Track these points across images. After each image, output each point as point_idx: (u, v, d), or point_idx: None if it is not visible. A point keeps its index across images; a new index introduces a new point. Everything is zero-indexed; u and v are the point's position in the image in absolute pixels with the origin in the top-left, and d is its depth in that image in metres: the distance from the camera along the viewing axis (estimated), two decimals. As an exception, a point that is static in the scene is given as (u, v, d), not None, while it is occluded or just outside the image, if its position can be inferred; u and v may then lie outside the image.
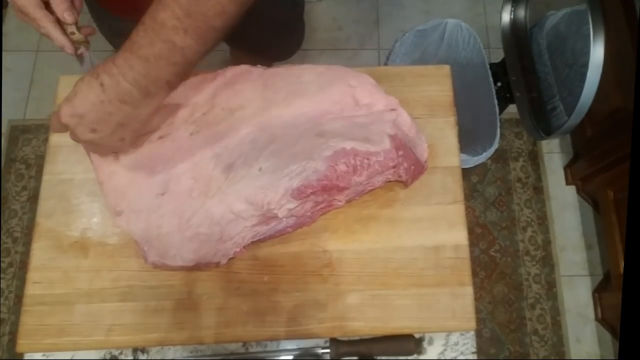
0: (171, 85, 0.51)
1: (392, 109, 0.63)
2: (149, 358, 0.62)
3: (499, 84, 1.20)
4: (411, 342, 0.61)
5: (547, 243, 1.46)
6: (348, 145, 0.57)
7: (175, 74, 0.50)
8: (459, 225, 0.64)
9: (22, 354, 0.61)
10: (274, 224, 0.60)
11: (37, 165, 1.50)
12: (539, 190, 1.51)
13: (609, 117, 1.23)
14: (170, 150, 0.61)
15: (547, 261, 1.44)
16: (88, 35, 0.60)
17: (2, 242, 1.43)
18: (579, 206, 1.50)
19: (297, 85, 0.64)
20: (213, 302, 0.61)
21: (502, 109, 1.17)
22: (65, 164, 0.66)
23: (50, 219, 0.64)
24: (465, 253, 0.63)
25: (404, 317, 0.60)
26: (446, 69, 0.72)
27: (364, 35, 1.68)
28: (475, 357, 0.63)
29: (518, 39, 1.18)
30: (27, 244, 1.37)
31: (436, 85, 0.71)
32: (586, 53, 0.87)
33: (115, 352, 0.62)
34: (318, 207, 0.61)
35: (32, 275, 0.61)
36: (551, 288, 1.42)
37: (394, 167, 0.60)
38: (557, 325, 1.39)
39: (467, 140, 1.08)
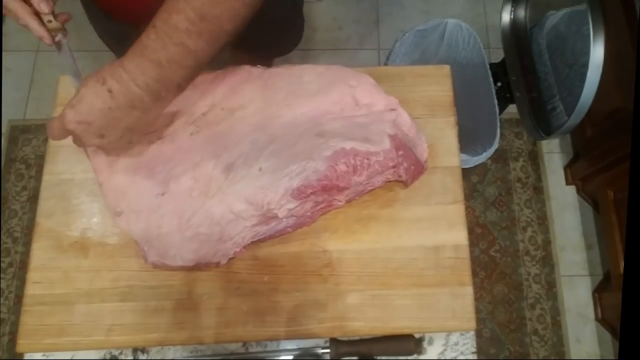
0: (181, 88, 0.51)
1: (392, 109, 0.63)
2: (149, 358, 0.62)
3: (499, 84, 1.20)
4: (411, 342, 0.61)
5: (547, 243, 1.46)
6: (348, 145, 0.57)
7: (186, 77, 0.50)
8: (459, 225, 0.64)
9: (22, 354, 0.61)
10: (274, 224, 0.60)
11: (37, 165, 1.50)
12: (539, 190, 1.51)
13: (609, 117, 1.23)
14: (170, 151, 0.61)
15: (547, 261, 1.44)
16: (65, 22, 0.59)
17: (2, 242, 1.43)
18: (579, 206, 1.50)
19: (297, 85, 0.64)
20: (213, 302, 0.61)
21: (502, 109, 1.17)
22: (65, 164, 0.66)
23: (50, 219, 0.64)
24: (465, 253, 0.63)
25: (404, 317, 0.60)
26: (446, 69, 0.72)
27: (364, 35, 1.68)
28: (475, 357, 0.63)
29: (518, 39, 1.18)
30: (27, 244, 1.37)
31: (436, 85, 0.71)
32: (586, 53, 0.87)
33: (115, 352, 0.62)
34: (318, 207, 0.61)
35: (32, 275, 0.61)
36: (551, 288, 1.42)
37: (394, 167, 0.60)
38: (557, 325, 1.39)
39: (467, 140, 1.08)
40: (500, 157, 1.54)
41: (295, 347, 0.63)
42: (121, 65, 0.48)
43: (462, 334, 0.64)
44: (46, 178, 0.66)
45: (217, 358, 0.62)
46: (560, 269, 1.44)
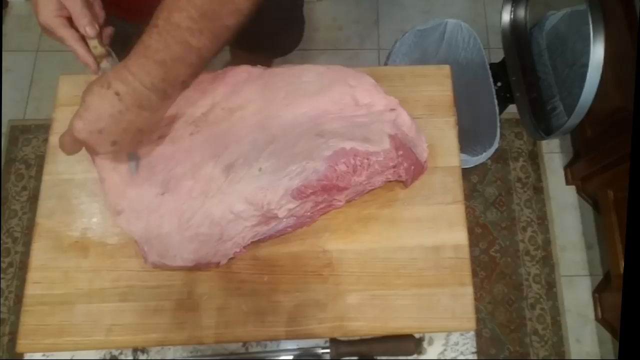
0: (186, 85, 0.51)
1: (392, 109, 0.63)
2: (149, 358, 0.62)
3: (499, 84, 1.21)
4: (411, 342, 0.61)
5: (547, 243, 1.46)
6: (348, 145, 0.57)
7: (190, 74, 0.50)
8: (459, 225, 0.64)
9: (22, 354, 0.61)
10: (274, 224, 0.60)
11: (37, 165, 1.50)
12: (539, 190, 1.51)
13: (609, 117, 1.23)
14: (170, 151, 0.61)
15: (547, 261, 1.44)
16: (110, 37, 0.59)
17: (2, 242, 1.43)
18: (579, 206, 1.50)
19: (297, 85, 0.64)
20: (213, 302, 0.61)
21: (502, 109, 1.17)
22: (65, 164, 0.66)
23: (50, 219, 0.64)
24: (465, 253, 0.63)
25: (404, 317, 0.60)
26: (446, 69, 0.72)
27: (364, 35, 1.68)
28: (475, 357, 0.63)
29: (518, 39, 1.19)
30: (27, 244, 1.36)
31: (436, 85, 0.71)
32: (586, 53, 0.87)
33: (115, 352, 0.62)
34: (318, 207, 0.61)
35: (32, 275, 0.61)
36: (551, 288, 1.42)
37: (393, 167, 0.60)
38: (557, 325, 1.39)
39: (467, 140, 1.08)
40: (500, 157, 1.54)
41: (295, 347, 0.63)
42: (126, 67, 0.48)
43: (462, 334, 0.64)
44: (46, 178, 0.66)
45: (217, 358, 0.62)
46: (560, 269, 1.44)
